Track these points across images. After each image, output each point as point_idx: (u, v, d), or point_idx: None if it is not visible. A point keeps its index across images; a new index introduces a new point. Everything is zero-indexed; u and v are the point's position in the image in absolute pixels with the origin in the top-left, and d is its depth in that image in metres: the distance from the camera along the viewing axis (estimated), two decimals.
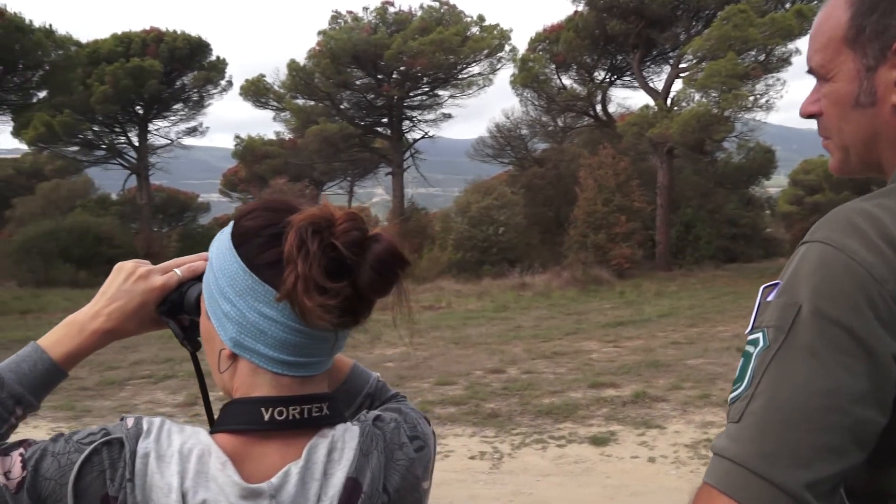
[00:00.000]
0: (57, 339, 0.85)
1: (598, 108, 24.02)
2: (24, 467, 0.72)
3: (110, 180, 38.41)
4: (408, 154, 27.43)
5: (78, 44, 25.33)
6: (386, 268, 0.76)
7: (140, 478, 0.72)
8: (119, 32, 28.59)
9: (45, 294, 18.95)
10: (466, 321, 12.97)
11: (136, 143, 30.72)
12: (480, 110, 31.05)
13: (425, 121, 27.96)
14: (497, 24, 24.33)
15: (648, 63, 22.96)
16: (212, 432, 0.78)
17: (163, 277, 0.90)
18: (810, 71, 0.81)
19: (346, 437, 0.80)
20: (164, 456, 0.74)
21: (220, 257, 0.81)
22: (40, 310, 16.32)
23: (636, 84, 22.98)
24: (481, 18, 24.38)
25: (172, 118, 31.54)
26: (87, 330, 0.86)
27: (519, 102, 25.24)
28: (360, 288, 0.75)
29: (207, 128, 32.48)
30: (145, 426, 0.76)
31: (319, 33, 23.64)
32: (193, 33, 29.39)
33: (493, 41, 23.87)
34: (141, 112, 29.87)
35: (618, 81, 24.09)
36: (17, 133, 27.91)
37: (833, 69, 0.78)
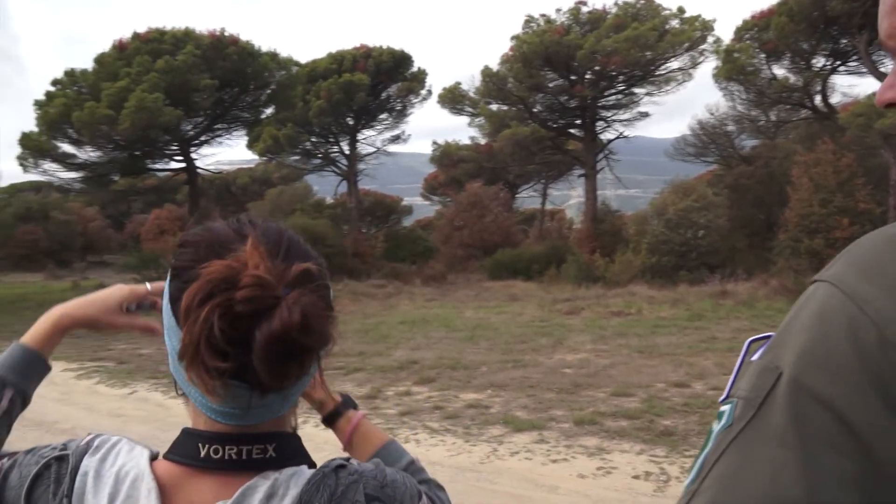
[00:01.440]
0: (31, 327, 0.97)
1: (817, 98, 21.62)
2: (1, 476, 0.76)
3: (325, 186, 42.16)
4: (602, 155, 26.78)
5: (298, 64, 28.08)
6: (274, 357, 0.64)
7: (77, 496, 0.72)
8: (333, 51, 31.20)
9: None
10: (656, 329, 12.38)
11: (347, 152, 33.35)
12: (680, 107, 29.48)
13: (620, 120, 27.08)
14: (698, 16, 22.87)
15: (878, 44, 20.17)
16: (164, 457, 0.76)
17: (135, 286, 0.99)
18: (882, 45, 0.57)
19: (291, 483, 0.71)
20: (101, 476, 0.73)
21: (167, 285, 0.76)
22: None
23: (863, 69, 20.33)
24: (681, 10, 23.07)
25: (378, 127, 33.80)
26: (52, 314, 0.97)
27: (723, 97, 23.55)
28: (268, 359, 0.64)
29: (409, 135, 34.38)
30: (96, 443, 0.77)
31: (512, 38, 23.92)
32: (397, 47, 31.22)
33: (694, 34, 22.48)
34: (351, 123, 32.39)
35: (841, 68, 21.47)
36: (250, 145, 31.78)
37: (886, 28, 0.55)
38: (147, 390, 8.39)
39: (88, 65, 22.54)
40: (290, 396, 0.76)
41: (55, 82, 22.60)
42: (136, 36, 22.47)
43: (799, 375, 0.46)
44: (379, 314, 16.31)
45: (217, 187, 39.62)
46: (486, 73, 24.97)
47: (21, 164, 22.50)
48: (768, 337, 0.52)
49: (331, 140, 33.33)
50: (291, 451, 0.76)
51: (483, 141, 31.97)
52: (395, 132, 34.03)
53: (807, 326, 0.47)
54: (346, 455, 0.87)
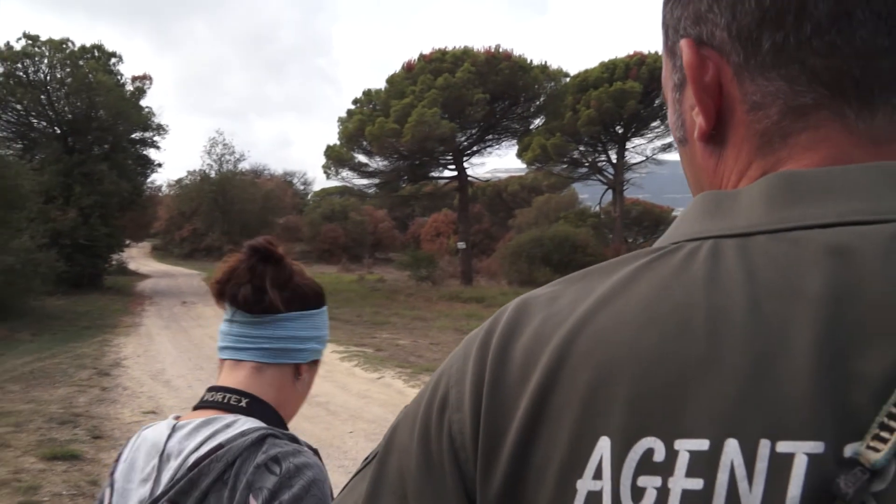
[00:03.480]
0: None
1: None
2: None
3: (594, 194, 42.06)
4: None
5: (567, 75, 28.48)
6: (278, 265, 1.17)
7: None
8: (606, 60, 31.04)
9: (525, 292, 22.02)
10: None
11: (615, 160, 32.92)
12: None
13: None
14: None
15: None
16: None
17: None
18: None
19: (240, 423, 1.03)
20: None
21: None
22: None
23: None
24: None
25: (649, 135, 32.80)
26: None
27: None
28: (265, 280, 1.14)
29: None
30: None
31: None
32: None
33: None
34: (620, 131, 31.91)
35: None
36: (519, 154, 33.03)
37: (665, 91, 0.55)
38: (392, 377, 9.32)
39: (382, 85, 25.53)
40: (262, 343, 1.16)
41: (355, 101, 25.99)
42: (421, 57, 24.81)
43: (394, 432, 0.51)
44: None
45: (489, 194, 41.89)
46: None
47: (325, 172, 26.30)
48: None
49: (598, 149, 33.22)
50: (256, 412, 1.08)
51: None
52: (668, 140, 32.74)
53: (427, 385, 0.52)
54: (290, 433, 1.10)
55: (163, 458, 1.02)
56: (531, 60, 25.72)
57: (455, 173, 28.01)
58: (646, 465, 0.38)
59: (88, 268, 23.17)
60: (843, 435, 0.35)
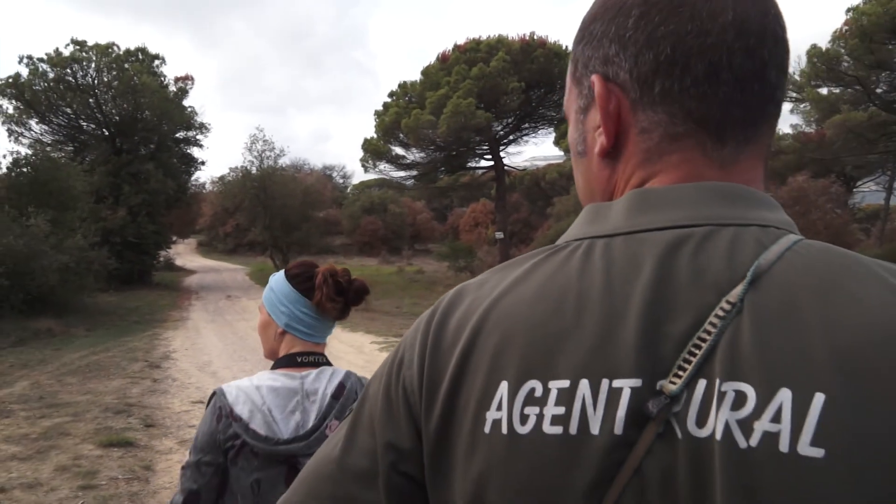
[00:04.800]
0: None
1: None
2: None
3: None
4: None
5: None
6: (359, 294, 1.68)
7: None
8: None
9: None
10: None
11: None
12: None
13: None
14: None
15: None
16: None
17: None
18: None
19: (336, 371, 1.63)
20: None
21: (278, 284, 1.68)
22: None
23: None
24: None
25: None
26: None
27: None
28: (347, 301, 1.67)
29: None
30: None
31: (848, 11, 20.82)
32: None
33: None
34: None
35: None
36: (557, 142, 32.75)
37: (567, 111, 0.69)
38: None
39: (418, 76, 25.64)
40: (332, 329, 1.72)
41: (391, 94, 26.16)
42: (455, 48, 24.84)
43: (370, 382, 0.69)
44: None
45: (527, 183, 41.70)
46: (814, 53, 22.15)
47: (362, 165, 26.59)
48: None
49: None
50: (329, 363, 1.66)
51: (808, 129, 28.35)
52: None
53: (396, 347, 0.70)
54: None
55: (303, 396, 1.54)
56: (566, 46, 25.51)
57: (492, 163, 27.99)
58: (530, 399, 0.54)
59: (138, 265, 23.96)
60: (655, 375, 0.50)
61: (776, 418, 0.46)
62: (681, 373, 0.49)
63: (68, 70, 23.56)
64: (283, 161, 29.00)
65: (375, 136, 25.80)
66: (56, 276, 14.58)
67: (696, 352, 0.50)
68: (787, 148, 27.21)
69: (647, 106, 0.60)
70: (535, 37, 24.83)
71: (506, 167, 28.48)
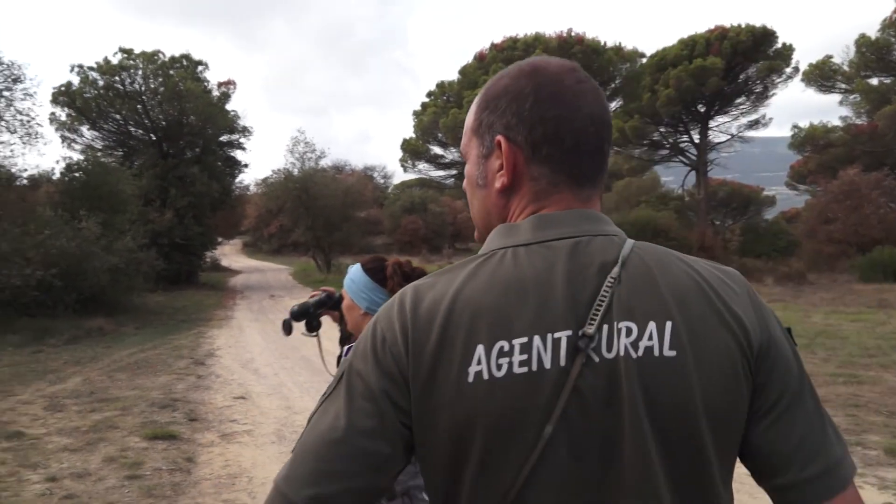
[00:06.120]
0: None
1: None
2: None
3: (674, 177, 40.79)
4: None
5: (643, 55, 27.75)
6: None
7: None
8: (685, 37, 29.99)
9: None
10: None
11: (697, 141, 31.84)
12: None
13: None
14: None
15: None
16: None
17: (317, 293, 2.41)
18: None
19: None
20: None
21: (357, 276, 2.07)
22: None
23: None
24: None
25: (733, 112, 31.50)
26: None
27: None
28: None
29: (770, 119, 31.33)
30: None
31: None
32: (758, 23, 28.61)
33: None
34: (702, 110, 30.81)
35: None
36: None
37: (467, 153, 0.98)
38: None
39: (456, 75, 25.71)
40: None
41: (429, 94, 26.31)
42: (492, 46, 24.83)
43: (353, 361, 0.86)
44: None
45: None
46: (863, 43, 21.46)
47: (402, 165, 26.82)
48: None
49: (680, 129, 32.21)
50: None
51: (858, 121, 27.42)
52: (754, 117, 31.38)
53: (363, 335, 0.88)
54: None
55: None
56: (605, 43, 25.29)
57: None
58: (500, 353, 0.78)
59: (185, 265, 24.60)
60: (578, 326, 0.79)
61: (650, 338, 0.79)
62: (593, 322, 0.78)
63: (117, 77, 24.33)
64: (325, 162, 29.40)
65: (414, 136, 25.98)
66: (107, 277, 15.09)
67: (599, 309, 0.79)
68: (837, 141, 26.38)
69: (536, 162, 0.89)
70: (573, 34, 24.66)
71: None
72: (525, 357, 0.77)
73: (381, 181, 61.12)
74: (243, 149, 30.08)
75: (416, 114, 25.76)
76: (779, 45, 28.57)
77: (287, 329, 2.27)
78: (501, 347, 0.78)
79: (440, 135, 24.70)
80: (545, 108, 0.87)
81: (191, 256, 25.30)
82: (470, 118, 0.96)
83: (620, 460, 0.78)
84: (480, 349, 0.78)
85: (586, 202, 0.90)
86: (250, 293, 23.06)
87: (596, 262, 0.83)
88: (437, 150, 26.46)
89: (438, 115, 23.76)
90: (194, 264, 26.13)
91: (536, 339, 0.78)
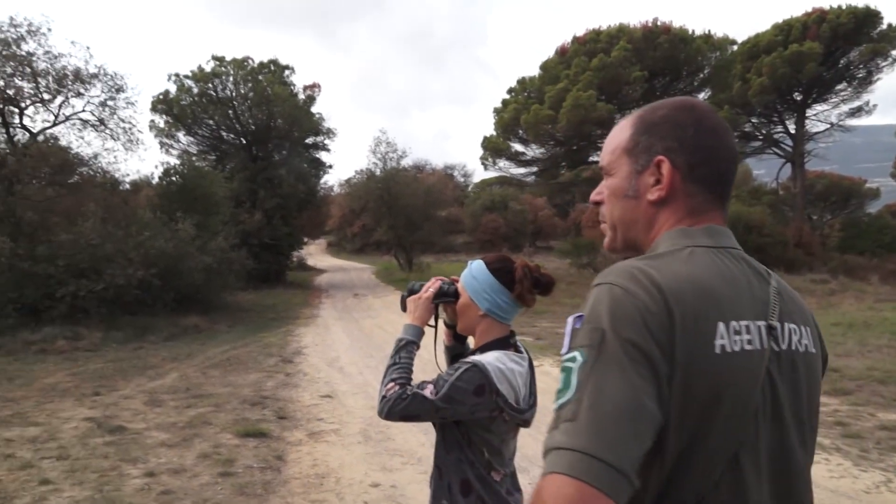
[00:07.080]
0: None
1: None
2: None
3: (767, 170, 38.83)
4: None
5: (734, 42, 26.51)
6: (549, 287, 1.90)
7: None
8: (780, 21, 28.45)
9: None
10: None
11: (793, 131, 30.18)
12: None
13: None
14: None
15: None
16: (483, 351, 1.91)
17: (433, 282, 2.08)
18: (601, 169, 1.17)
19: (525, 352, 1.94)
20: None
21: (481, 274, 1.91)
22: None
23: None
24: None
25: (833, 100, 29.67)
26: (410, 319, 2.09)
27: None
28: (541, 293, 1.91)
29: (874, 106, 29.32)
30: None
31: None
32: (860, 4, 26.78)
33: None
34: (799, 98, 29.17)
35: None
36: None
37: (614, 168, 1.12)
38: (551, 365, 9.31)
39: (537, 71, 25.37)
40: (517, 312, 1.95)
41: (510, 90, 26.09)
42: (574, 39, 24.35)
43: (615, 329, 0.89)
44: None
45: None
46: None
47: (482, 163, 26.74)
48: (581, 316, 0.94)
49: (773, 119, 30.61)
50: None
51: None
52: (856, 104, 29.43)
53: (609, 305, 0.92)
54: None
55: (525, 377, 1.86)
56: (693, 31, 24.34)
57: None
58: (734, 331, 0.95)
59: (273, 265, 25.42)
60: (766, 317, 1.00)
61: (803, 337, 1.04)
62: (774, 314, 1.00)
63: (210, 84, 25.40)
64: (406, 162, 29.69)
65: (495, 133, 25.83)
66: (201, 276, 15.76)
67: (776, 308, 1.01)
68: None
69: (692, 181, 1.06)
70: (659, 23, 23.85)
71: None
72: (749, 337, 0.96)
73: (462, 180, 61.29)
74: (328, 150, 30.82)
75: (496, 111, 25.57)
76: (884, 26, 26.70)
77: (405, 307, 2.07)
78: (734, 327, 0.95)
79: (521, 131, 24.44)
80: (705, 138, 1.06)
81: (279, 256, 26.12)
82: (624, 139, 1.11)
83: (788, 427, 1.00)
84: (721, 326, 0.93)
85: (724, 221, 1.09)
86: (335, 292, 23.57)
87: (759, 270, 1.05)
88: (518, 146, 26.22)
89: (520, 112, 23.50)
90: (282, 263, 26.96)
91: (751, 324, 0.97)
